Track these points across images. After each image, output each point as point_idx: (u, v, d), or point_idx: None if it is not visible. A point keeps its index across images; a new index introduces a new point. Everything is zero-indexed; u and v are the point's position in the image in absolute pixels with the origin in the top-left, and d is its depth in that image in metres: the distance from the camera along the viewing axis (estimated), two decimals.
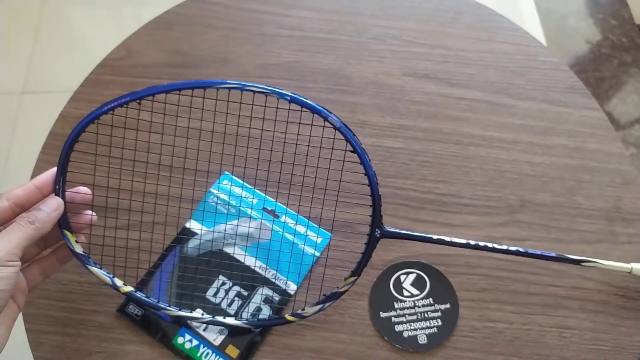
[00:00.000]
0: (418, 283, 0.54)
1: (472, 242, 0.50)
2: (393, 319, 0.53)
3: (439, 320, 0.53)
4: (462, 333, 0.53)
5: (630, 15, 1.50)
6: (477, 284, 0.55)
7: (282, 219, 0.57)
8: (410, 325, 0.52)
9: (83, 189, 0.48)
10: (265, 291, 0.53)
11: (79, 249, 0.47)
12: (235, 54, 0.69)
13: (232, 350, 0.51)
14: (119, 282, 0.48)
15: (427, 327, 0.52)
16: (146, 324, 0.52)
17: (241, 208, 0.58)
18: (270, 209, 0.57)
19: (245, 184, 0.59)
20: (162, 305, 0.48)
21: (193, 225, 0.57)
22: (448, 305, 0.53)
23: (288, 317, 0.49)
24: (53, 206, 0.43)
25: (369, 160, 0.44)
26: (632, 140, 1.33)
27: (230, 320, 0.48)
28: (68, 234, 0.46)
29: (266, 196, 0.58)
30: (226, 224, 0.57)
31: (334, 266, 0.53)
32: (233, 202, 0.58)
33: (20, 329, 0.52)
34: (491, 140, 0.64)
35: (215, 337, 0.51)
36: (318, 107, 0.43)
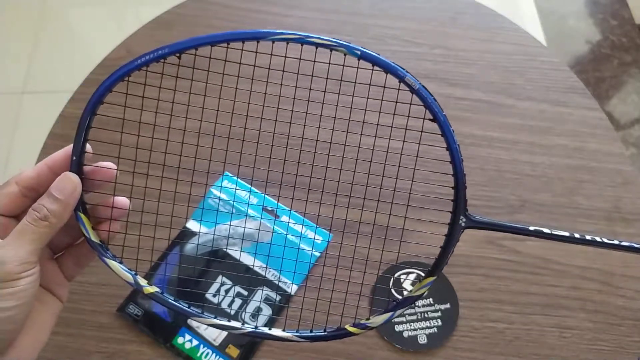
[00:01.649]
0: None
1: (577, 236, 0.42)
2: (393, 319, 0.53)
3: (439, 320, 0.53)
4: (462, 333, 0.53)
5: (630, 15, 1.50)
6: (477, 284, 0.55)
7: (283, 218, 0.57)
8: (410, 325, 0.52)
9: (106, 163, 0.40)
10: (265, 291, 0.53)
11: (95, 238, 0.40)
12: (236, 54, 0.68)
13: (232, 350, 0.51)
14: (142, 281, 0.40)
15: (427, 327, 0.52)
16: (146, 324, 0.52)
17: (241, 208, 0.58)
18: (270, 208, 0.57)
19: (250, 186, 0.59)
20: (194, 312, 0.39)
21: (194, 225, 0.57)
22: (448, 305, 0.53)
23: (350, 328, 0.40)
24: (68, 190, 0.36)
25: (453, 131, 0.37)
26: (632, 140, 1.33)
27: (277, 333, 0.39)
28: (83, 217, 0.39)
29: (266, 195, 0.58)
30: (230, 224, 0.57)
31: (408, 265, 0.45)
32: (245, 197, 0.58)
33: None
34: (491, 140, 0.64)
35: (216, 337, 0.51)
36: (394, 65, 0.36)
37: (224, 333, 0.51)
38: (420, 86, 0.36)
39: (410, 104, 0.37)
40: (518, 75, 0.69)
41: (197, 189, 0.59)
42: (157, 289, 0.40)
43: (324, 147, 0.40)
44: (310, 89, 0.38)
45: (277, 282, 0.54)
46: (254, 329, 0.38)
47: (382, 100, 0.38)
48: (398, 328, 0.52)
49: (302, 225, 0.56)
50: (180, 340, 0.51)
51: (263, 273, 0.54)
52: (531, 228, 0.42)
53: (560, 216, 0.59)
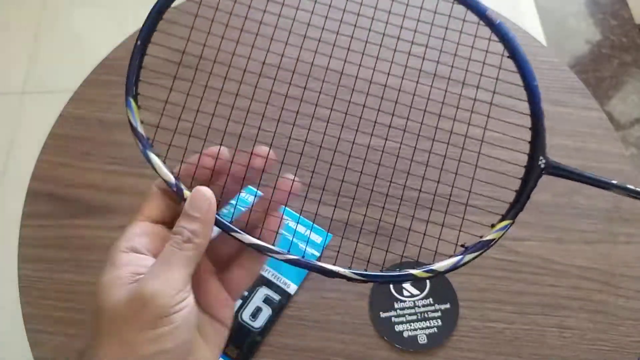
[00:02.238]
0: (418, 283, 0.54)
1: None
2: (393, 319, 0.53)
3: (439, 320, 0.53)
4: (462, 333, 0.53)
5: (630, 15, 1.50)
6: (477, 284, 0.55)
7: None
8: (410, 325, 0.52)
9: (264, 149, 0.35)
10: (265, 291, 0.53)
11: (142, 130, 0.37)
12: (236, 54, 0.68)
13: (232, 351, 0.51)
14: (183, 185, 0.35)
15: (427, 327, 0.52)
16: None
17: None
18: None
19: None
20: (234, 228, 0.34)
21: None
22: (448, 305, 0.53)
23: (416, 272, 0.36)
24: (204, 207, 0.32)
25: (532, 69, 0.35)
26: (632, 140, 1.33)
27: (331, 267, 0.34)
28: (133, 103, 0.37)
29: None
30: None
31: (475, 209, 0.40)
32: (245, 197, 0.58)
33: (20, 329, 0.52)
34: (491, 140, 0.64)
35: None
36: None
37: None
38: (500, 21, 0.35)
39: (490, 39, 0.37)
40: (518, 75, 0.68)
41: None
42: None
43: (331, 144, 0.40)
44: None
45: (277, 282, 0.54)
46: (301, 257, 0.34)
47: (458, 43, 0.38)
48: (398, 328, 0.52)
49: (299, 224, 0.56)
50: None
51: (263, 273, 0.54)
52: (614, 182, 0.39)
53: (559, 216, 0.59)
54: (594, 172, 0.64)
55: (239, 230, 0.33)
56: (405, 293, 0.54)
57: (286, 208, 0.57)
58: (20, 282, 0.55)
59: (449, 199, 0.38)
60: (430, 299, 0.53)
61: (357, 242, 0.36)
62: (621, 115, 1.39)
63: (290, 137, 0.38)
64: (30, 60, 1.46)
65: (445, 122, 0.40)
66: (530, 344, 0.52)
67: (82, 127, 0.63)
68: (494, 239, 0.36)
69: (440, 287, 0.54)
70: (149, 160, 0.35)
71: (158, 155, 0.36)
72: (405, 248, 0.37)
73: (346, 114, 0.38)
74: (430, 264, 0.36)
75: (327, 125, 0.39)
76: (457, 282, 0.55)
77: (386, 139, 0.39)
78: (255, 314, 0.52)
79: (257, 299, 0.53)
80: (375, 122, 0.39)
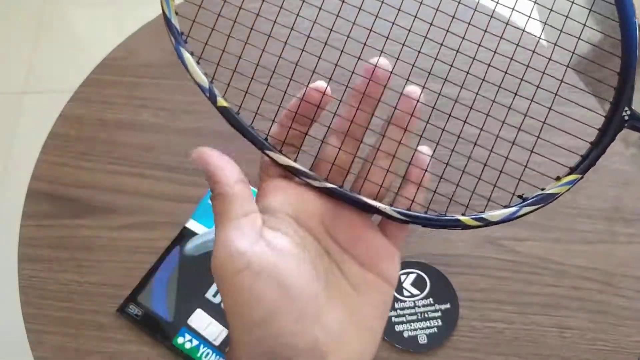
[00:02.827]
0: (418, 283, 0.54)
1: None
2: (393, 319, 0.53)
3: (439, 320, 0.53)
4: (462, 333, 0.53)
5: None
6: (478, 284, 0.55)
7: None
8: (411, 325, 0.52)
9: (321, 84, 0.31)
10: None
11: (175, 22, 0.33)
12: (236, 53, 0.68)
13: None
14: (217, 91, 0.32)
15: (428, 327, 0.52)
16: (146, 324, 0.52)
17: None
18: None
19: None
20: (268, 145, 0.31)
21: (194, 225, 0.57)
22: (448, 305, 0.53)
23: (464, 219, 0.32)
24: (205, 157, 0.29)
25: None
26: (633, 140, 1.33)
27: (370, 200, 0.30)
28: None
29: None
30: None
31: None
32: None
33: (20, 329, 0.52)
34: (491, 140, 0.64)
35: (216, 337, 0.51)
36: None
37: (224, 333, 0.51)
38: None
39: None
40: (518, 74, 0.68)
41: (197, 189, 0.59)
42: (230, 105, 0.32)
43: None
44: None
45: None
46: (338, 187, 0.30)
47: None
48: (398, 328, 0.52)
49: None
50: (180, 340, 0.51)
51: None
52: None
53: (560, 216, 0.59)
54: (593, 171, 0.64)
55: (274, 149, 0.30)
56: (405, 293, 0.54)
57: None
58: (20, 282, 0.55)
59: (512, 143, 0.34)
60: (431, 299, 0.53)
61: (403, 178, 0.31)
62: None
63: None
64: (31, 60, 1.46)
65: (522, 52, 0.36)
66: (530, 344, 0.52)
67: (82, 127, 0.63)
68: (557, 194, 0.33)
69: (440, 287, 0.54)
70: (181, 58, 0.32)
71: (192, 54, 0.32)
72: (456, 191, 0.32)
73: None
74: (481, 212, 0.32)
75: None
76: (457, 282, 0.55)
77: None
78: None
79: None
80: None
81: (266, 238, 0.27)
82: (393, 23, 0.34)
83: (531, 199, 0.33)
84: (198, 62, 0.32)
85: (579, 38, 0.34)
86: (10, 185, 1.27)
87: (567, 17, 0.33)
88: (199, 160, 0.29)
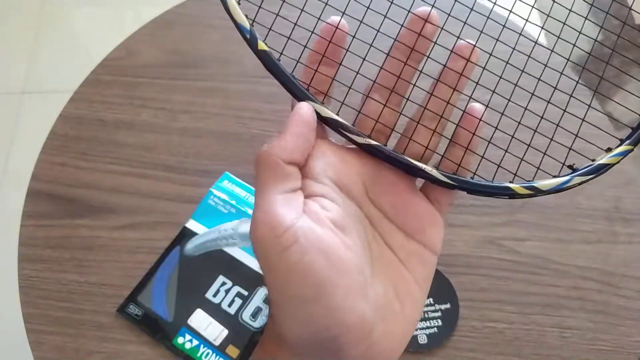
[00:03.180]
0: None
1: None
2: None
3: (439, 320, 0.53)
4: (462, 333, 0.53)
5: (630, 14, 1.49)
6: (478, 283, 0.55)
7: None
8: None
9: (334, 18, 0.29)
10: (266, 291, 0.53)
11: None
12: (236, 53, 0.68)
13: (232, 350, 0.51)
14: (258, 34, 0.30)
15: (427, 327, 0.52)
16: (147, 324, 0.52)
17: (241, 208, 0.58)
18: None
19: (244, 183, 0.59)
20: (310, 95, 0.29)
21: (194, 225, 0.57)
22: (448, 305, 0.53)
23: (515, 187, 0.30)
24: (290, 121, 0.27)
25: None
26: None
27: (416, 162, 0.29)
28: None
29: None
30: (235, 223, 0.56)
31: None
32: (245, 198, 0.58)
33: (20, 329, 0.52)
34: (491, 140, 0.64)
35: (216, 337, 0.51)
36: None
37: (225, 333, 0.51)
38: None
39: None
40: (518, 75, 0.68)
41: (197, 189, 0.59)
42: (268, 49, 0.30)
43: None
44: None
45: None
46: (382, 145, 0.29)
47: None
48: None
49: None
50: (180, 340, 0.51)
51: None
52: None
53: (560, 216, 0.59)
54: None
55: (313, 98, 0.29)
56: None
57: None
58: (20, 282, 0.55)
59: (564, 110, 0.33)
60: (431, 299, 0.53)
61: (451, 139, 0.29)
62: (622, 115, 1.39)
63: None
64: (31, 60, 1.46)
65: (575, 18, 0.34)
66: (530, 344, 0.52)
67: (82, 127, 0.63)
68: (609, 165, 0.31)
69: (440, 287, 0.54)
70: None
71: None
72: (504, 159, 0.30)
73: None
74: (531, 181, 0.30)
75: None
76: (457, 282, 0.55)
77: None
78: (255, 314, 0.52)
79: (257, 299, 0.53)
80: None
81: (311, 209, 0.25)
82: None
83: (583, 168, 0.31)
84: (239, 3, 0.30)
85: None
86: (10, 185, 1.27)
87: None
88: (294, 115, 0.27)
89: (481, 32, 0.33)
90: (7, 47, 1.49)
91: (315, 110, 0.28)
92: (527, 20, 0.34)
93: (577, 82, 0.33)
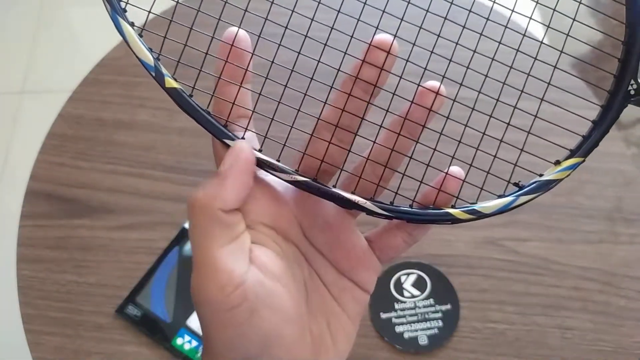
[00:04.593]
0: (419, 284, 0.54)
1: None
2: (393, 319, 0.52)
3: (440, 321, 0.52)
4: (463, 334, 0.52)
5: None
6: (478, 284, 0.55)
7: None
8: (411, 326, 0.52)
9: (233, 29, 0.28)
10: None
11: None
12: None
13: None
14: (165, 70, 0.28)
15: (428, 328, 0.52)
16: (145, 325, 0.52)
17: None
18: None
19: None
20: (229, 133, 0.27)
21: None
22: (449, 306, 0.53)
23: (455, 212, 0.28)
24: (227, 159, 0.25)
25: None
26: (634, 140, 1.33)
27: (348, 195, 0.27)
28: None
29: None
30: None
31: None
32: None
33: (19, 330, 0.52)
34: (491, 140, 0.64)
35: None
36: None
37: None
38: None
39: None
40: (518, 75, 0.68)
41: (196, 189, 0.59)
42: (180, 86, 0.28)
43: None
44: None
45: None
46: (311, 180, 0.27)
47: None
48: (398, 329, 0.52)
49: None
50: (179, 341, 0.51)
51: None
52: None
53: (561, 216, 0.58)
54: (594, 171, 0.63)
55: (236, 137, 0.26)
56: (406, 294, 0.53)
57: None
58: (19, 282, 0.55)
59: (507, 123, 0.31)
60: (431, 300, 0.53)
61: (385, 166, 0.28)
62: (622, 115, 1.38)
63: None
64: (29, 60, 1.46)
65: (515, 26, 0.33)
66: (531, 344, 0.52)
67: (80, 127, 0.62)
68: (556, 180, 0.29)
69: (441, 287, 0.54)
70: (119, 30, 0.27)
71: (132, 25, 0.28)
72: (445, 181, 0.29)
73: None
74: (473, 204, 0.28)
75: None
76: (457, 282, 0.54)
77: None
78: None
79: None
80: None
81: (257, 261, 0.24)
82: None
83: (528, 186, 0.29)
84: (141, 35, 0.28)
85: (573, 18, 0.32)
86: (9, 186, 1.27)
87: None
88: (234, 160, 0.24)
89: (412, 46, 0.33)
90: (6, 47, 1.49)
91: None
92: (450, 61, 0.33)
93: (522, 91, 0.31)
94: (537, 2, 0.32)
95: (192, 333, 0.51)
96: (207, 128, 0.27)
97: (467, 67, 0.31)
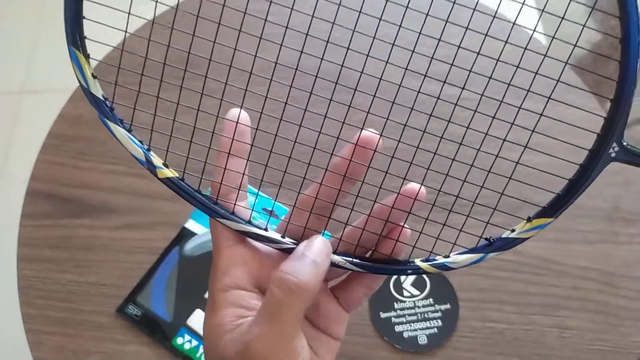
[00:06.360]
0: (418, 283, 0.54)
1: None
2: (393, 319, 0.53)
3: (439, 321, 0.53)
4: (462, 333, 0.52)
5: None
6: (477, 284, 0.55)
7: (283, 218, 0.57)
8: (411, 326, 0.52)
9: (235, 112, 0.31)
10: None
11: (96, 90, 0.29)
12: (236, 54, 0.68)
13: None
14: (156, 160, 0.30)
15: (427, 328, 0.52)
16: (146, 325, 0.52)
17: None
18: (270, 209, 0.57)
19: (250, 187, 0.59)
20: (221, 211, 0.29)
21: (193, 225, 0.57)
22: (448, 306, 0.53)
23: (422, 264, 0.30)
24: (324, 250, 0.28)
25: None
26: (633, 141, 1.33)
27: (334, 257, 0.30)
28: (78, 54, 0.29)
29: (263, 194, 0.58)
30: None
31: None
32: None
33: (19, 330, 0.52)
34: (491, 141, 0.64)
35: None
36: None
37: None
38: None
39: None
40: (518, 75, 0.68)
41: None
42: (176, 175, 0.30)
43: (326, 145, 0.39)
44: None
45: None
46: (296, 244, 0.29)
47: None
48: (398, 328, 0.52)
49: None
50: (179, 340, 0.51)
51: None
52: None
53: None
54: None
55: (228, 216, 0.29)
56: (406, 293, 0.54)
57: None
58: (20, 282, 0.55)
59: (482, 186, 0.32)
60: (431, 299, 0.53)
61: (364, 230, 0.30)
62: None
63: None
64: (29, 60, 1.46)
65: (497, 86, 0.34)
66: (530, 344, 0.52)
67: (81, 127, 0.62)
68: (524, 239, 0.31)
69: (440, 287, 0.54)
70: (110, 130, 0.28)
71: (122, 122, 0.29)
72: (419, 238, 0.30)
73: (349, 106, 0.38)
74: (446, 257, 0.30)
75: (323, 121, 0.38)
76: (457, 282, 0.54)
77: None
78: None
79: None
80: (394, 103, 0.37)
81: (248, 333, 0.26)
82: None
83: (497, 241, 0.31)
84: (130, 130, 0.29)
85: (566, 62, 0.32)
86: (9, 186, 1.27)
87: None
88: (322, 251, 0.28)
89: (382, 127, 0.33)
90: (6, 47, 1.49)
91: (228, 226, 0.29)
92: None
93: (496, 156, 0.33)
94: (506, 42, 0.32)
95: (193, 332, 0.51)
96: (203, 210, 0.29)
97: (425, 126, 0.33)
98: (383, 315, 0.53)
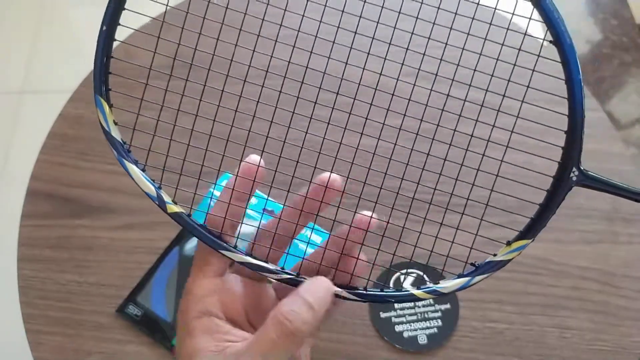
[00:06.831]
0: (418, 283, 0.54)
1: None
2: (393, 319, 0.53)
3: (439, 321, 0.53)
4: (462, 333, 0.53)
5: (630, 15, 1.50)
6: (477, 284, 0.55)
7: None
8: (411, 326, 0.52)
9: (254, 158, 0.34)
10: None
11: (116, 134, 0.33)
12: (236, 55, 0.68)
13: None
14: (166, 197, 0.33)
15: (427, 328, 0.52)
16: (146, 325, 0.52)
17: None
18: (270, 209, 0.57)
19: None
20: (225, 245, 0.33)
21: None
22: (448, 306, 0.53)
23: (416, 292, 0.33)
24: (326, 297, 0.29)
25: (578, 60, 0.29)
26: (633, 140, 1.33)
27: (338, 290, 0.32)
28: (103, 102, 0.33)
29: (264, 195, 0.57)
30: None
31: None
32: None
33: (19, 329, 0.52)
34: (490, 141, 0.64)
35: None
36: None
37: None
38: None
39: (530, 19, 0.31)
40: (518, 75, 0.68)
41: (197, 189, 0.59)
42: (183, 210, 0.33)
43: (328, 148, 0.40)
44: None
45: None
46: (294, 276, 0.32)
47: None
48: (398, 328, 0.52)
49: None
50: None
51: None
52: None
53: (560, 216, 0.58)
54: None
55: (230, 249, 0.33)
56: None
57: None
58: (20, 282, 0.55)
59: (463, 213, 0.36)
60: (431, 299, 0.53)
61: (362, 245, 0.34)
62: (622, 115, 1.39)
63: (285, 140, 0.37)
64: (29, 60, 1.46)
65: (465, 123, 0.38)
66: (530, 344, 0.52)
67: (81, 127, 0.62)
68: (507, 260, 0.33)
69: None
70: (126, 169, 0.32)
71: (137, 163, 0.33)
72: (414, 253, 0.36)
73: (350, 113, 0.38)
74: (435, 284, 0.33)
75: (327, 127, 0.38)
76: None
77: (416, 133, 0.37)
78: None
79: None
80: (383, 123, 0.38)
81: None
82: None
83: (482, 266, 0.34)
84: (144, 170, 0.33)
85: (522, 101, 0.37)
86: (9, 186, 1.27)
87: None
88: (322, 297, 0.30)
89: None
90: (6, 47, 1.49)
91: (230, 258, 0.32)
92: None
93: (473, 183, 0.36)
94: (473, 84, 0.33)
95: None
96: (208, 243, 0.32)
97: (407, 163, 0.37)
98: (383, 315, 0.53)
